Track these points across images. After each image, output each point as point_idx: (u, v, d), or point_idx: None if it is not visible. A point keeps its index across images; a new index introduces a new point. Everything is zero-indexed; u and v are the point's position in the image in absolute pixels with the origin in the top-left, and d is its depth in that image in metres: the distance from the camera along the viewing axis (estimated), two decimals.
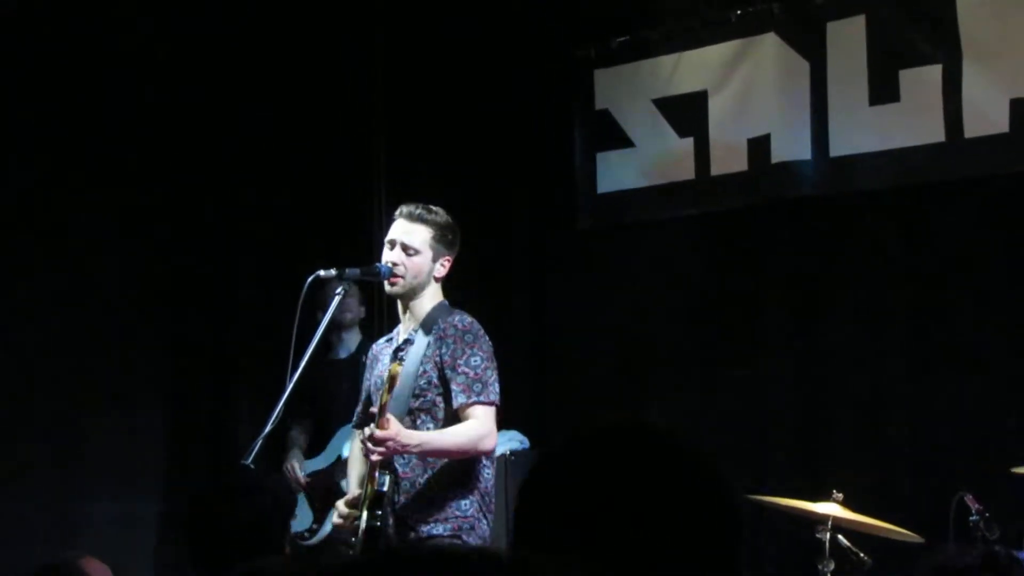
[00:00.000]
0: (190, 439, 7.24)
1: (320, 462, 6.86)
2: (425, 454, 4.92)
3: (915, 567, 2.94)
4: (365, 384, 5.33)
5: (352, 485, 5.22)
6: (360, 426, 5.23)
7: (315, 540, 6.71)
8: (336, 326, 6.71)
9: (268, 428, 4.94)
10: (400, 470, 4.96)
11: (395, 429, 4.76)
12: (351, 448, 5.48)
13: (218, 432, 7.29)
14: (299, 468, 6.86)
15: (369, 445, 4.78)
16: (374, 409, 4.83)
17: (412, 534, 4.91)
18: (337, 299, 5.22)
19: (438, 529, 4.91)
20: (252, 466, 4.87)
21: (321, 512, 6.68)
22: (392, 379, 4.73)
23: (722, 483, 1.58)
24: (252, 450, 4.84)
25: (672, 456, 1.58)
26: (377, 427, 4.74)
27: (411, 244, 5.04)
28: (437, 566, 1.03)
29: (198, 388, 7.36)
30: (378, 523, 4.87)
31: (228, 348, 7.45)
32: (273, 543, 3.49)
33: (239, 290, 7.48)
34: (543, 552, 1.50)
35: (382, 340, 5.38)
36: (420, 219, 5.05)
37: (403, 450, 4.84)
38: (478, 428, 4.88)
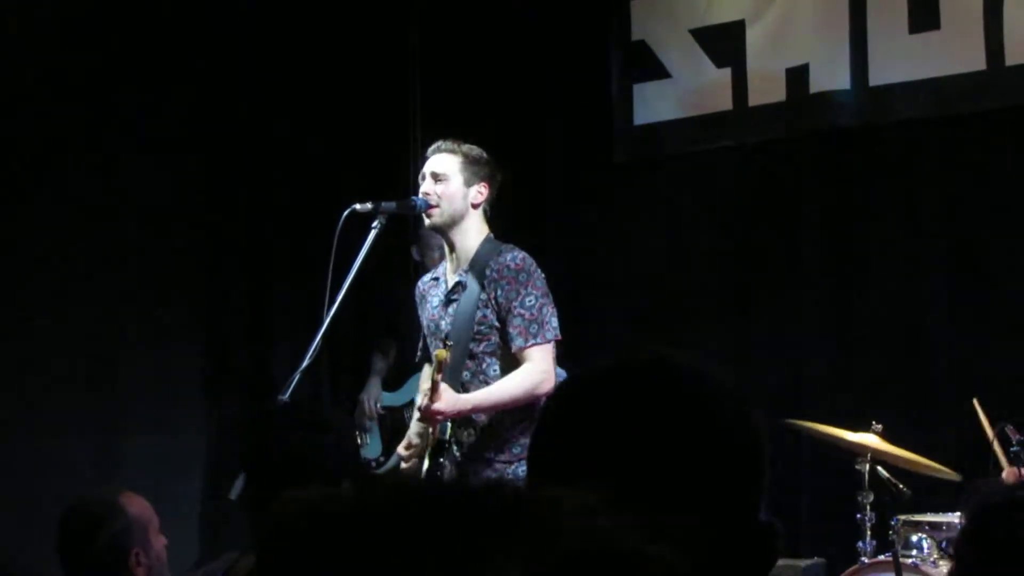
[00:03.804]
0: (226, 374, 7.26)
1: (395, 399, 6.90)
2: (482, 412, 5.01)
3: (961, 500, 2.90)
4: (421, 320, 5.41)
5: (412, 423, 5.29)
6: (422, 363, 5.39)
7: (383, 470, 6.77)
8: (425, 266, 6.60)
9: (305, 363, 4.95)
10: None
11: (449, 400, 4.87)
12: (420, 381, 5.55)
13: (254, 367, 7.31)
14: (374, 399, 6.93)
15: (426, 415, 4.92)
16: (425, 386, 4.95)
17: (491, 472, 4.99)
18: (373, 232, 5.21)
19: (524, 468, 4.93)
20: (289, 401, 4.88)
21: (389, 446, 6.71)
22: (440, 363, 4.81)
23: (745, 415, 1.55)
24: (289, 385, 4.85)
25: (692, 388, 1.55)
26: (431, 401, 4.86)
27: (440, 171, 5.12)
28: (456, 508, 1.01)
29: (234, 323, 7.37)
30: (439, 471, 5.01)
31: (264, 279, 7.45)
32: (324, 477, 3.44)
33: (275, 225, 7.47)
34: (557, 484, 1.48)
35: (427, 277, 5.42)
36: (447, 149, 5.17)
37: (459, 416, 4.96)
38: (533, 374, 4.95)
